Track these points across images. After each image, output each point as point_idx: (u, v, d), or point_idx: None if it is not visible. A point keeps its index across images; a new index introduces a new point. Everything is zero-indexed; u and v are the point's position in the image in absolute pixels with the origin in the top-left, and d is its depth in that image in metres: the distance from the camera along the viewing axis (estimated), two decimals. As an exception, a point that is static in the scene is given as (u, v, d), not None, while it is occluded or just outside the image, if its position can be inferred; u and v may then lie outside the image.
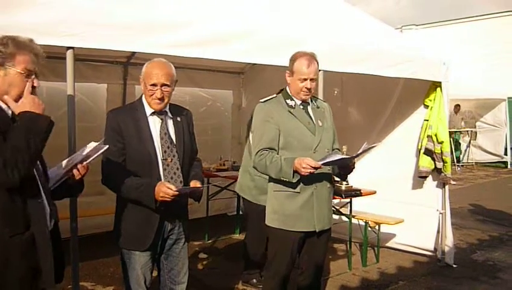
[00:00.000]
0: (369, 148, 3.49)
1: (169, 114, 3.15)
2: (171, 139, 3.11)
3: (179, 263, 3.27)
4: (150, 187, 2.93)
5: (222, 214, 7.83)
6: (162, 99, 3.01)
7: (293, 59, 3.47)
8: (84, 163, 2.40)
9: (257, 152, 3.43)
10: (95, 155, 2.41)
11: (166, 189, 2.90)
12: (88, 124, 6.10)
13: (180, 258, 3.27)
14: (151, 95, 3.00)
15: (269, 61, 4.10)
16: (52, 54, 4.86)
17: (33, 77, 2.24)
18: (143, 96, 3.12)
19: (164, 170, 3.06)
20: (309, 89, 3.45)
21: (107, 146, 2.54)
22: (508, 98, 15.01)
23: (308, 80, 3.42)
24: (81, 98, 5.97)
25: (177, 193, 2.93)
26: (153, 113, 3.08)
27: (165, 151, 3.06)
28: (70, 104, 3.23)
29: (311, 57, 3.44)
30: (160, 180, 3.02)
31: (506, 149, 15.38)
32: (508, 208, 9.11)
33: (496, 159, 15.69)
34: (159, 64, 3.02)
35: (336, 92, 6.06)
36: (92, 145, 2.48)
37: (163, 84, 2.98)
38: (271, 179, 3.53)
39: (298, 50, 3.52)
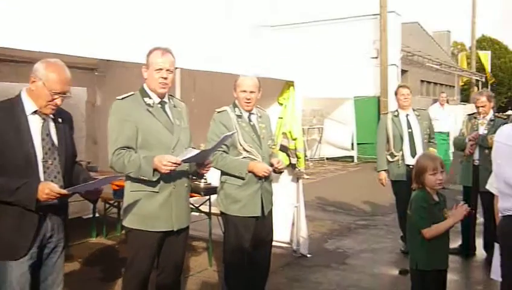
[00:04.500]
0: (225, 140, 3.59)
1: (51, 115, 2.97)
2: (53, 141, 2.94)
3: (54, 273, 3.09)
4: (30, 187, 2.73)
5: (77, 218, 7.39)
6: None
7: (148, 53, 3.46)
8: None
9: (114, 151, 3.33)
10: None
11: (52, 186, 2.74)
12: None
13: (55, 268, 3.10)
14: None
15: (122, 58, 3.99)
16: None
17: None
18: (22, 92, 2.92)
19: (44, 172, 2.87)
20: (165, 79, 3.42)
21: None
22: (354, 97, 16.20)
23: (164, 70, 3.39)
24: None
25: (66, 192, 2.80)
26: (34, 112, 2.88)
27: (46, 153, 2.88)
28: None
29: (166, 49, 3.46)
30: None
31: (352, 144, 16.60)
32: (355, 199, 9.86)
33: (344, 153, 16.84)
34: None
35: (193, 99, 6.00)
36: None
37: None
38: (128, 179, 3.44)
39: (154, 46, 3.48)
